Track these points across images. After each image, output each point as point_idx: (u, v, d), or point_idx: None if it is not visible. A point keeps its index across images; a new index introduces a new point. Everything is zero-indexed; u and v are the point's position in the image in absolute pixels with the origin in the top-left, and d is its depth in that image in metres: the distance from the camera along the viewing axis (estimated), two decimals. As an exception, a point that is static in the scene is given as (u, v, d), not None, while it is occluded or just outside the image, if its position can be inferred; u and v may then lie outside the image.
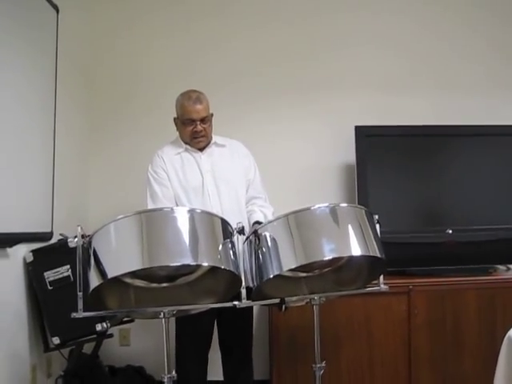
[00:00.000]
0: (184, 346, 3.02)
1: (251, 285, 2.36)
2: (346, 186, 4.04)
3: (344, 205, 2.50)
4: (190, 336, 2.98)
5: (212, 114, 3.08)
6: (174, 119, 3.10)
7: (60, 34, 3.29)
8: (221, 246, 2.19)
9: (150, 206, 2.96)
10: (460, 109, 4.02)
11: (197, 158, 3.08)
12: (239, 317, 2.86)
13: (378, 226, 2.46)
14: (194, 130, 3.01)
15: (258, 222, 2.89)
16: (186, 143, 3.09)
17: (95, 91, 4.07)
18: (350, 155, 3.83)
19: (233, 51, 4.12)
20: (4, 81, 2.69)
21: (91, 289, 2.13)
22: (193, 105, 2.98)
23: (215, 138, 3.14)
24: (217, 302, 2.43)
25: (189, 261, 2.13)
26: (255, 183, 3.18)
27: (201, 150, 3.10)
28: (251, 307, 3.09)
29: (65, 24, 3.35)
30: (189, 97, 3.01)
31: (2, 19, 2.65)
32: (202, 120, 3.00)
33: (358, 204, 3.30)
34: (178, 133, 3.14)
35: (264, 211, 3.08)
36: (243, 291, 2.29)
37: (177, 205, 2.98)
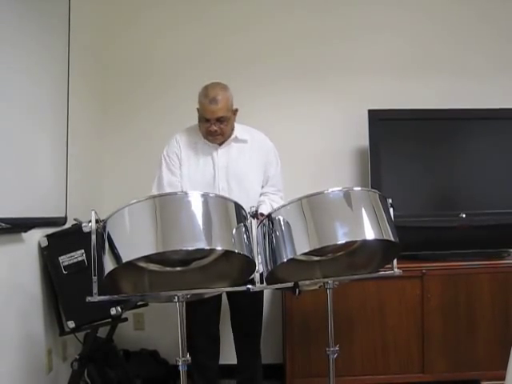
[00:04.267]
0: (192, 322, 3.06)
1: (264, 269, 2.37)
2: (359, 169, 4.03)
3: (358, 189, 2.49)
4: (197, 312, 3.02)
5: (236, 110, 3.03)
6: (197, 109, 3.04)
7: (72, 19, 3.28)
8: (234, 230, 2.18)
9: (154, 190, 2.99)
10: (474, 92, 3.99)
11: (213, 152, 3.05)
12: (247, 301, 2.88)
13: (391, 210, 2.44)
14: (208, 129, 2.97)
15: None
16: (204, 137, 3.06)
17: (108, 75, 4.06)
18: (363, 139, 3.82)
19: (247, 36, 4.09)
20: (17, 67, 2.69)
21: (106, 273, 2.13)
22: (208, 104, 2.92)
23: (237, 131, 3.08)
24: (230, 286, 2.44)
25: (203, 245, 2.13)
26: (274, 179, 3.15)
27: (219, 144, 3.06)
28: (261, 295, 3.12)
29: (77, 9, 3.34)
30: (206, 94, 2.94)
31: (14, 5, 2.65)
32: (218, 120, 2.94)
33: (371, 188, 3.29)
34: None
35: (273, 205, 3.00)
36: (257, 275, 2.29)
37: None
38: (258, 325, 3.18)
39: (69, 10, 3.26)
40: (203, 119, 2.96)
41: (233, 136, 3.07)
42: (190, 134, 3.11)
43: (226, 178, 3.02)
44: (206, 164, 3.04)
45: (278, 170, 3.18)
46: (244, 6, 4.12)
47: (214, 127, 2.95)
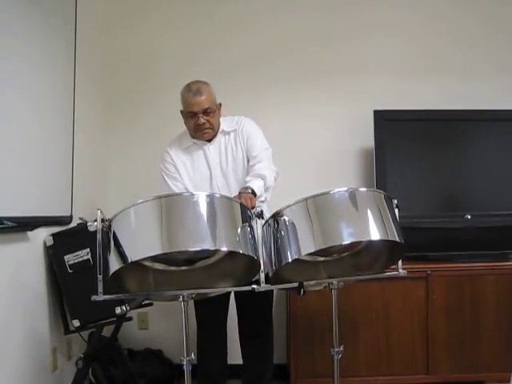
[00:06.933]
0: (201, 323, 3.08)
1: (269, 269, 2.37)
2: (365, 170, 4.02)
3: (363, 189, 2.49)
4: (206, 312, 3.03)
5: (220, 104, 3.02)
6: (181, 112, 3.04)
7: (78, 18, 3.29)
8: (239, 230, 2.19)
9: None
10: (480, 93, 3.97)
11: (205, 150, 3.05)
12: (256, 300, 2.88)
13: (396, 211, 2.44)
14: (196, 123, 2.95)
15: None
16: (193, 137, 3.06)
17: (114, 74, 4.06)
18: (368, 140, 3.81)
19: (251, 36, 4.09)
20: (24, 66, 2.70)
21: (111, 272, 2.14)
22: (193, 97, 2.91)
23: (223, 124, 3.07)
24: (235, 286, 2.44)
25: (208, 246, 2.13)
26: (258, 154, 3.03)
27: (209, 140, 3.05)
28: (271, 293, 3.11)
29: (83, 8, 3.35)
30: (189, 89, 2.94)
31: (23, 5, 2.66)
32: (205, 112, 2.93)
33: (377, 188, 3.28)
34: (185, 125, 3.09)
35: (261, 174, 2.90)
36: (262, 275, 2.29)
37: None
38: (270, 325, 3.17)
39: (75, 10, 3.27)
40: (190, 115, 2.95)
41: (220, 129, 3.06)
42: (180, 141, 3.11)
43: (221, 173, 3.03)
44: (200, 164, 3.05)
45: (258, 141, 3.06)
46: (247, 5, 4.12)
47: (202, 120, 2.93)
